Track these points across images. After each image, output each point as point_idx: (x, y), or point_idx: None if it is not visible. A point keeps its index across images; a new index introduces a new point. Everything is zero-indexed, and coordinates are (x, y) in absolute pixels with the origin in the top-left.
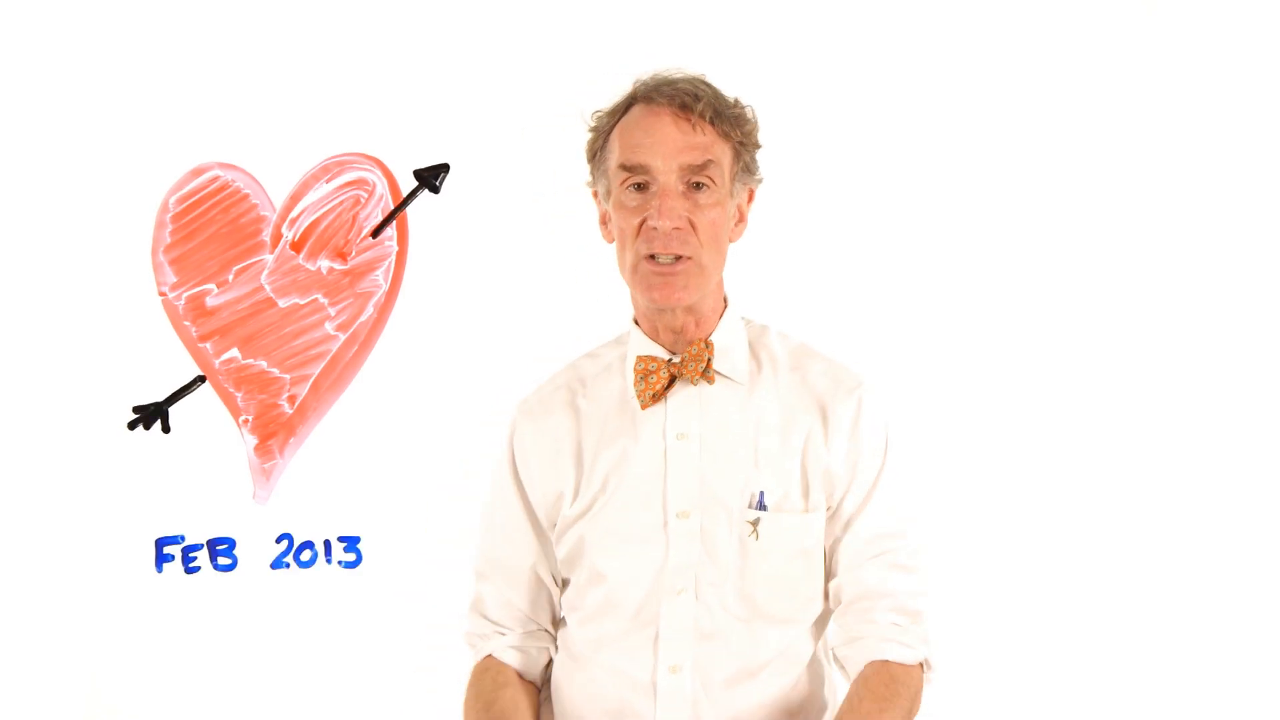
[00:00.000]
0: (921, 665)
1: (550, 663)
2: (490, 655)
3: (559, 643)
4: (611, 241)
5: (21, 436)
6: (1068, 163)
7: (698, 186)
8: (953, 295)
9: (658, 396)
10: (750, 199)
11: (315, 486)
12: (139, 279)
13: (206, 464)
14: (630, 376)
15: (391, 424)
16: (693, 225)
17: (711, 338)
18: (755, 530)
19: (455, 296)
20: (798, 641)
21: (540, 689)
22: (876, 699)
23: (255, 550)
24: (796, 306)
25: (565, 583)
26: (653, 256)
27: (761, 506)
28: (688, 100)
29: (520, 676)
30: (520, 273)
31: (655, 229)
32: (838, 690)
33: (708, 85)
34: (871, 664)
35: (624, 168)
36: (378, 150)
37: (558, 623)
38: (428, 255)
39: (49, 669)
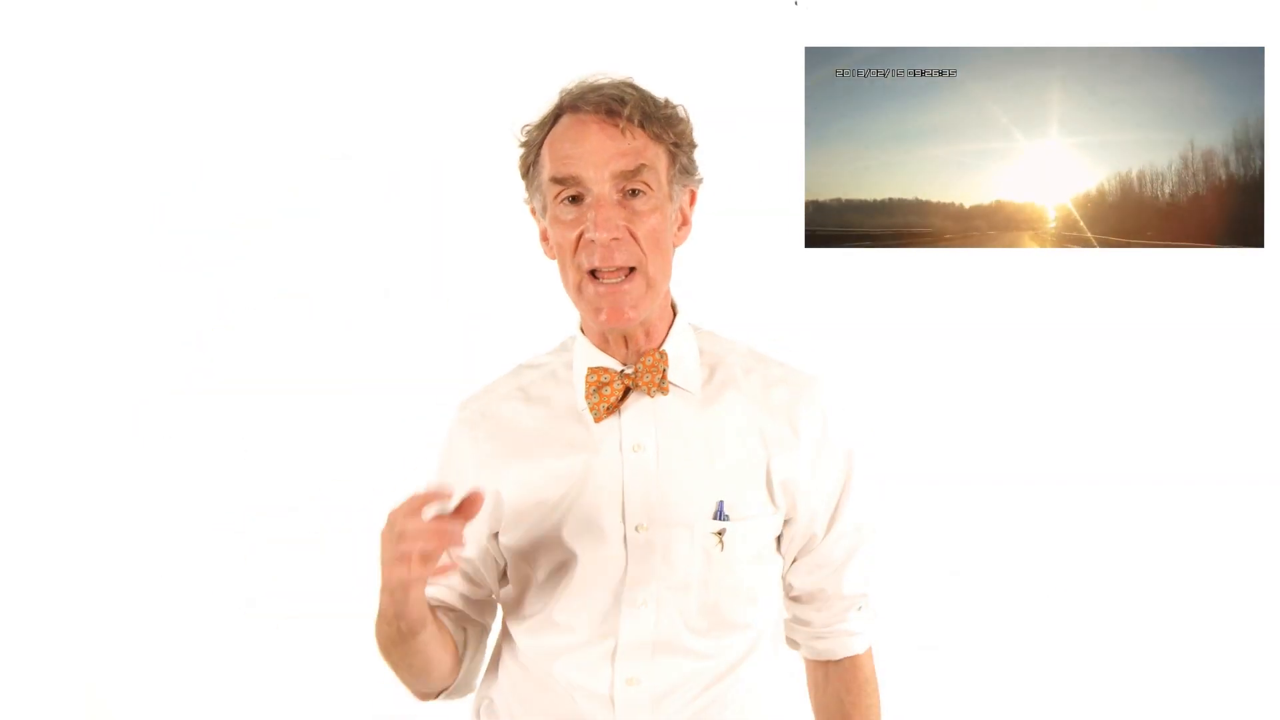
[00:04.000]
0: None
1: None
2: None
3: (502, 651)
4: (553, 259)
5: (21, 436)
6: None
7: (634, 193)
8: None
9: (611, 409)
10: (692, 201)
11: (315, 486)
12: (138, 279)
13: (207, 464)
14: (580, 388)
15: (390, 424)
16: (632, 235)
17: (664, 347)
18: (721, 541)
19: (454, 296)
20: (759, 645)
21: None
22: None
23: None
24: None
25: (505, 579)
26: (594, 274)
27: (723, 516)
28: (614, 105)
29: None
30: (517, 273)
31: (593, 241)
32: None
33: (634, 88)
34: (842, 665)
35: (555, 180)
36: (370, 153)
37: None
38: (426, 255)
39: (47, 669)
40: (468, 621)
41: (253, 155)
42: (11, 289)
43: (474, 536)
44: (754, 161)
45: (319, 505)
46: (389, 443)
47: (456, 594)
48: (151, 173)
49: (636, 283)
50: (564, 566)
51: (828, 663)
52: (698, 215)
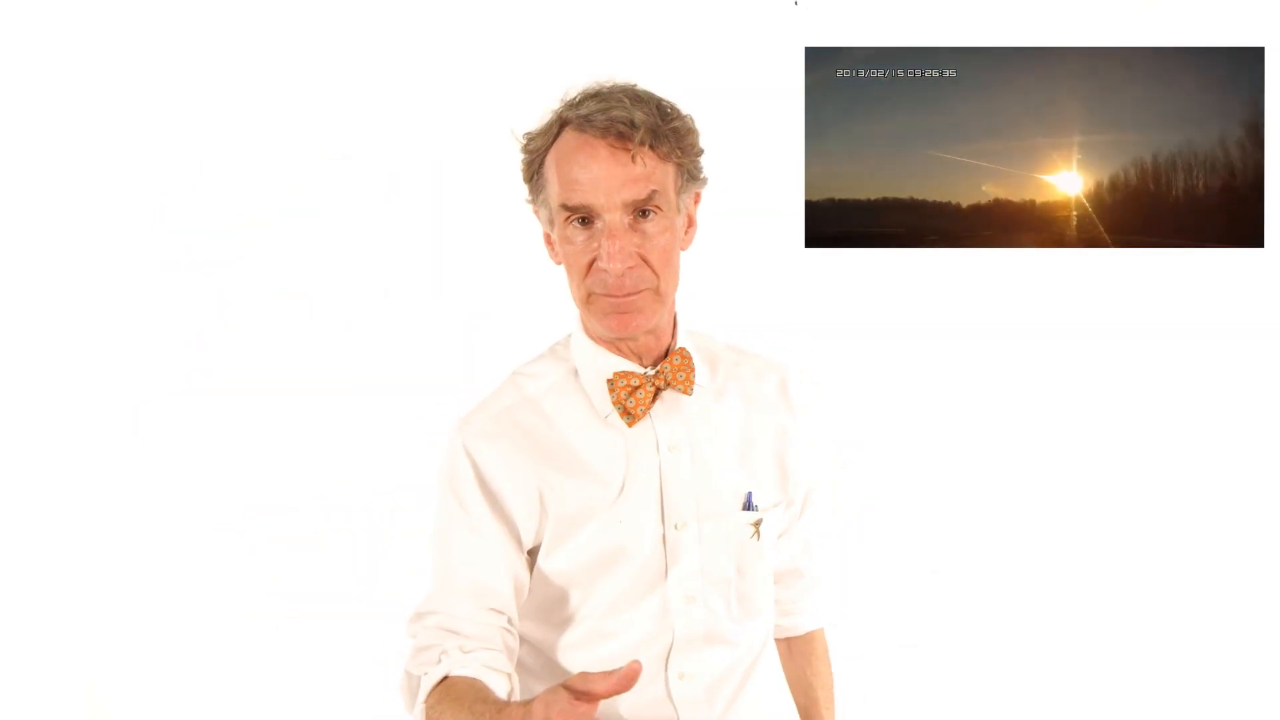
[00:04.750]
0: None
1: None
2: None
3: (533, 665)
4: (559, 263)
5: (22, 436)
6: None
7: (644, 213)
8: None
9: (645, 411)
10: (697, 201)
11: (315, 486)
12: (138, 279)
13: (207, 464)
14: (601, 392)
15: (390, 424)
16: (644, 258)
17: (683, 347)
18: (757, 531)
19: (454, 296)
20: (770, 632)
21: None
22: (827, 686)
23: (255, 549)
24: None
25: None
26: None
27: (752, 507)
28: (624, 129)
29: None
30: (517, 273)
31: (606, 270)
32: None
33: (641, 101)
34: (803, 640)
35: (565, 207)
36: (370, 153)
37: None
38: (426, 255)
39: (47, 669)
40: (507, 670)
41: (253, 155)
42: (12, 289)
43: (506, 562)
44: (754, 162)
45: (319, 505)
46: (389, 443)
47: (507, 648)
48: (151, 173)
49: (646, 297)
50: (610, 574)
51: (790, 639)
52: (698, 216)
